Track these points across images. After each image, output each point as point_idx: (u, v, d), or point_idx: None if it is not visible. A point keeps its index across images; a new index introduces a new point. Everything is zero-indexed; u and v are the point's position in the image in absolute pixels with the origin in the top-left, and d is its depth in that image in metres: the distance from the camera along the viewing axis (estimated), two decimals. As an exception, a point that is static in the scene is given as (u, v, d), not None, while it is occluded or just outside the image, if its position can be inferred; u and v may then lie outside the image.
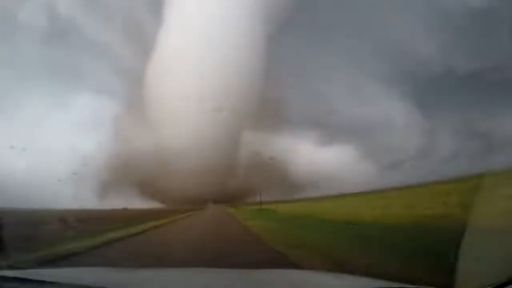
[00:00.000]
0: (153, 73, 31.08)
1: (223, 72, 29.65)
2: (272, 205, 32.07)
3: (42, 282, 1.68)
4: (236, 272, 2.81)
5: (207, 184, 33.26)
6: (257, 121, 32.08)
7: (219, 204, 44.62)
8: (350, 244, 7.72)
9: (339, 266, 5.36)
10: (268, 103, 32.06)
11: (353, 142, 32.04)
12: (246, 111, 28.80)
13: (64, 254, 6.88)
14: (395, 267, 4.82)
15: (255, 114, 30.52)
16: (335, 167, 30.36)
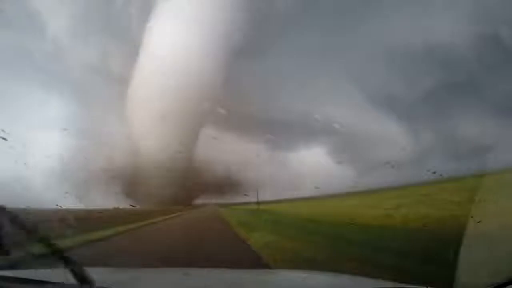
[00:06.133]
0: (133, 72, 30.75)
1: (198, 72, 29.56)
2: (267, 205, 31.98)
3: (42, 282, 1.67)
4: (235, 272, 2.80)
5: (188, 183, 33.01)
6: (232, 123, 31.94)
7: (209, 204, 44.20)
8: (350, 245, 7.72)
9: (340, 266, 5.36)
10: (244, 105, 31.94)
11: (331, 143, 31.92)
12: (218, 112, 28.52)
13: (62, 252, 6.92)
14: (395, 267, 4.82)
15: (231, 116, 30.28)
16: (312, 169, 30.20)
